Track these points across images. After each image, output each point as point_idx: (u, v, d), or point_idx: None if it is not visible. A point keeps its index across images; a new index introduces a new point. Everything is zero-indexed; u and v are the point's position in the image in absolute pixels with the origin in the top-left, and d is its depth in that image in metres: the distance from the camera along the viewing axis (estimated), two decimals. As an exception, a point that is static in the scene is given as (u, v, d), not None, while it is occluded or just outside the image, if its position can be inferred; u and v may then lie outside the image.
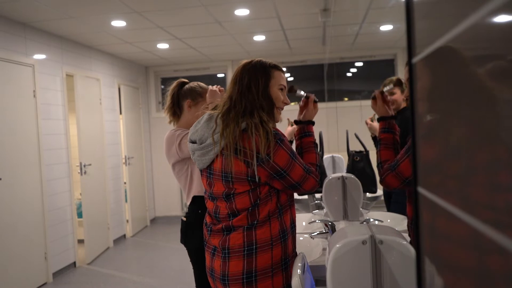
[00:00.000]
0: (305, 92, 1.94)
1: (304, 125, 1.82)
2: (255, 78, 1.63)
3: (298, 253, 1.61)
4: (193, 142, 1.68)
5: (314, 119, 1.87)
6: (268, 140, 1.51)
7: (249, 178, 1.53)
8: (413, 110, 0.68)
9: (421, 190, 0.66)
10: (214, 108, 1.70)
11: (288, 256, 1.59)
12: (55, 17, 4.21)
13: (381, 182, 1.66)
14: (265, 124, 1.55)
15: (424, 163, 0.65)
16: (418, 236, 0.68)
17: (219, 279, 1.57)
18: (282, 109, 1.71)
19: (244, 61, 1.71)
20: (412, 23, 0.67)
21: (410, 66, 0.68)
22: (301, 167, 1.59)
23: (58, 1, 3.76)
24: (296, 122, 1.86)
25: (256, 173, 1.52)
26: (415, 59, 0.66)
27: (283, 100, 1.69)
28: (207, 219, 1.70)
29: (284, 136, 1.60)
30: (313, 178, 1.63)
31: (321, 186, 2.38)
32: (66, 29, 4.66)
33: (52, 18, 4.22)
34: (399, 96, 2.54)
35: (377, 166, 1.65)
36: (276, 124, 1.73)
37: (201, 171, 1.70)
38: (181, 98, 2.33)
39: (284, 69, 7.13)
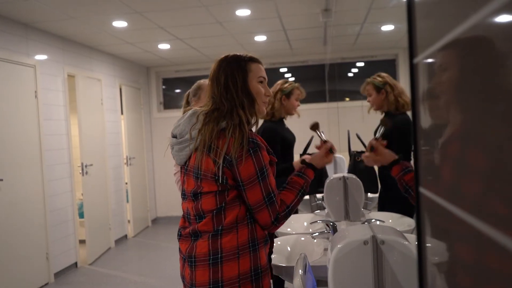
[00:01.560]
0: (324, 134, 1.85)
1: (305, 167, 1.69)
2: (232, 75, 1.54)
3: (300, 254, 1.61)
4: (174, 136, 1.63)
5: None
6: (241, 144, 1.44)
7: (216, 177, 1.46)
8: (414, 110, 0.68)
9: (422, 190, 0.66)
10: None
11: (261, 267, 1.49)
12: (57, 18, 4.21)
13: None
14: (243, 126, 1.48)
15: (426, 163, 0.65)
16: (420, 237, 0.68)
17: (189, 287, 1.51)
18: (266, 102, 1.62)
19: (220, 57, 1.62)
20: (414, 23, 0.67)
21: (411, 66, 0.68)
22: (261, 192, 1.48)
23: (60, 1, 3.77)
24: (302, 161, 1.75)
25: (222, 174, 1.45)
26: (416, 59, 0.66)
27: (265, 93, 1.59)
28: (180, 221, 1.64)
29: (263, 148, 1.51)
30: (269, 214, 1.49)
31: (323, 187, 2.38)
32: (68, 29, 4.67)
33: (53, 18, 4.22)
34: (376, 96, 2.37)
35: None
36: (275, 117, 1.65)
37: (180, 168, 1.65)
38: (190, 103, 2.48)
39: (285, 69, 7.17)
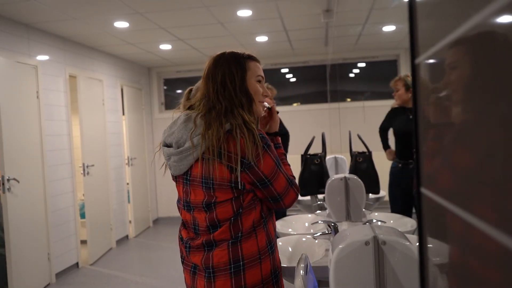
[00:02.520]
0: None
1: (273, 137, 1.63)
2: (230, 72, 1.46)
3: (302, 254, 1.61)
4: (169, 146, 1.50)
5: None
6: (255, 143, 1.38)
7: (232, 185, 1.39)
8: (416, 110, 0.68)
9: (424, 191, 0.66)
10: (190, 108, 1.53)
11: (277, 268, 1.48)
12: (58, 18, 4.22)
13: None
14: (249, 124, 1.40)
15: (427, 164, 0.65)
16: (421, 237, 0.68)
17: None
18: (263, 102, 1.55)
19: (216, 53, 1.54)
20: (415, 23, 0.67)
21: (413, 67, 0.68)
22: (284, 177, 1.47)
23: (61, 2, 3.77)
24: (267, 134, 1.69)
25: (239, 179, 1.38)
26: (418, 60, 0.66)
27: (263, 92, 1.53)
28: (183, 233, 1.54)
29: (268, 138, 1.47)
30: (294, 191, 1.50)
31: (324, 187, 2.38)
32: (69, 30, 4.68)
33: (55, 19, 4.23)
34: (403, 93, 2.53)
35: None
36: (261, 117, 1.57)
37: (175, 178, 1.54)
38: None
39: (287, 70, 7.17)
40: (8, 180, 3.86)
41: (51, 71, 4.70)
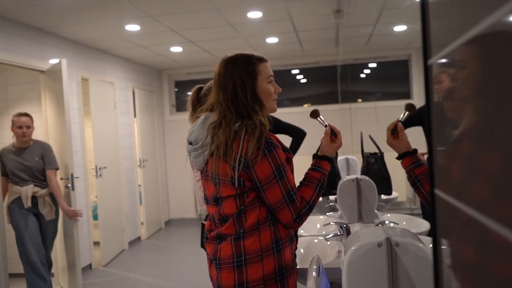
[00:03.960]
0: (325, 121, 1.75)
1: (318, 160, 1.64)
2: (240, 81, 1.49)
3: (314, 256, 1.60)
4: (190, 143, 1.63)
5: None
6: (258, 145, 1.42)
7: (233, 181, 1.46)
8: (429, 111, 0.67)
9: (438, 192, 0.65)
10: (211, 110, 1.60)
11: (285, 267, 1.49)
12: (70, 22, 4.27)
13: None
14: (264, 127, 1.45)
15: (442, 165, 0.64)
16: (435, 239, 0.67)
17: None
18: (276, 99, 1.59)
19: (225, 57, 1.56)
20: (428, 23, 0.66)
21: (425, 67, 0.67)
22: (281, 191, 1.46)
23: (73, 6, 3.81)
24: (313, 155, 1.69)
25: (238, 177, 1.44)
26: (430, 61, 0.66)
27: (275, 90, 1.57)
28: (206, 224, 1.64)
29: (278, 146, 1.48)
30: (290, 212, 1.47)
31: (336, 188, 2.37)
32: (81, 34, 4.72)
33: (67, 23, 4.28)
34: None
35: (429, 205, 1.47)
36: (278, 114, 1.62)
37: (200, 173, 1.65)
38: (202, 101, 2.31)
39: (297, 71, 7.15)
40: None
41: (64, 75, 4.74)
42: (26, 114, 3.71)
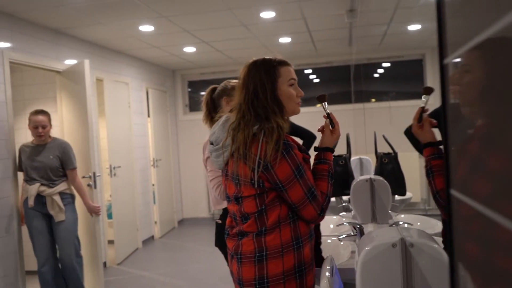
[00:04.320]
0: (328, 110, 1.75)
1: (321, 152, 1.69)
2: (261, 83, 1.56)
3: (326, 256, 1.60)
4: (212, 143, 1.69)
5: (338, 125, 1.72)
6: (276, 147, 1.47)
7: (252, 182, 1.51)
8: (445, 111, 0.67)
9: (454, 192, 0.64)
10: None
11: (304, 264, 1.53)
12: (85, 24, 4.32)
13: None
14: (281, 130, 1.50)
15: (458, 165, 0.64)
16: (451, 241, 0.67)
17: (236, 282, 1.59)
18: (299, 102, 1.63)
19: (248, 61, 1.63)
20: (444, 22, 0.66)
21: (441, 67, 0.67)
22: (302, 189, 1.51)
23: (88, 8, 3.86)
24: (315, 148, 1.74)
25: (258, 179, 1.49)
26: (446, 60, 0.65)
27: (296, 94, 1.61)
28: (227, 221, 1.70)
29: (296, 148, 1.54)
30: (313, 207, 1.53)
31: (349, 189, 2.36)
32: (96, 34, 4.78)
33: (82, 24, 4.33)
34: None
35: (434, 197, 1.44)
36: (298, 116, 1.64)
37: (222, 172, 1.71)
38: (216, 102, 2.33)
39: (310, 70, 7.13)
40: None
41: (79, 75, 4.80)
42: (42, 112, 3.62)
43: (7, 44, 3.81)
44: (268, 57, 1.62)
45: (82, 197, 3.77)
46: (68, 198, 3.69)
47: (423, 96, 1.55)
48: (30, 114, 3.65)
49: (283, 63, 1.62)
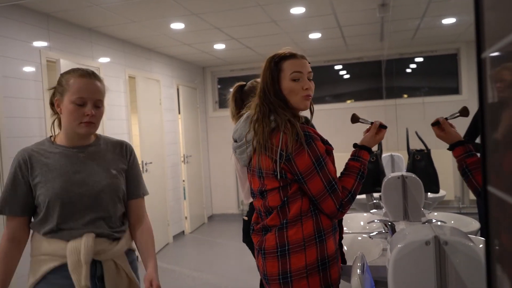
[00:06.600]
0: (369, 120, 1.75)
1: (358, 149, 1.66)
2: (265, 80, 1.60)
3: (358, 253, 1.59)
4: (235, 140, 1.73)
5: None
6: (296, 138, 1.48)
7: (275, 174, 1.51)
8: (482, 106, 0.65)
9: (491, 189, 0.63)
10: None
11: (328, 257, 1.53)
12: (118, 22, 4.41)
13: None
14: (293, 122, 1.52)
15: (496, 161, 0.62)
16: (488, 239, 0.65)
17: (262, 277, 1.62)
18: (309, 95, 1.58)
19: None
20: (481, 14, 0.64)
21: (479, 61, 0.65)
22: (322, 181, 1.50)
23: (121, 7, 3.94)
24: (353, 145, 1.71)
25: (280, 170, 1.50)
26: (484, 54, 0.63)
27: (302, 86, 1.57)
28: (253, 217, 1.70)
29: (317, 139, 1.53)
30: (333, 201, 1.50)
31: (380, 186, 2.33)
32: (128, 33, 4.87)
33: (115, 23, 4.42)
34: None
35: (480, 195, 1.40)
36: (305, 111, 1.64)
37: (246, 169, 1.73)
38: (245, 100, 2.32)
39: (340, 66, 7.05)
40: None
41: (112, 73, 4.92)
42: (95, 76, 1.69)
43: (44, 43, 3.94)
44: (276, 52, 1.63)
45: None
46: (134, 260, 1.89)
47: (456, 113, 1.57)
48: (66, 74, 1.74)
49: (286, 57, 1.60)
